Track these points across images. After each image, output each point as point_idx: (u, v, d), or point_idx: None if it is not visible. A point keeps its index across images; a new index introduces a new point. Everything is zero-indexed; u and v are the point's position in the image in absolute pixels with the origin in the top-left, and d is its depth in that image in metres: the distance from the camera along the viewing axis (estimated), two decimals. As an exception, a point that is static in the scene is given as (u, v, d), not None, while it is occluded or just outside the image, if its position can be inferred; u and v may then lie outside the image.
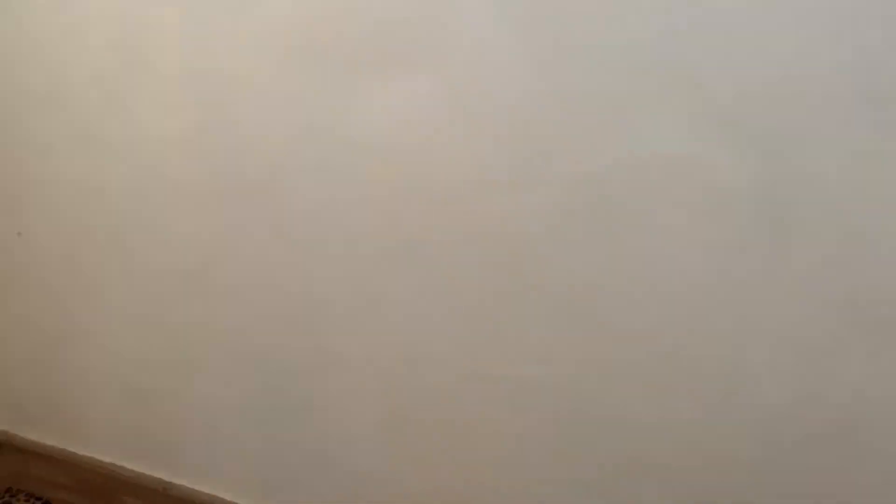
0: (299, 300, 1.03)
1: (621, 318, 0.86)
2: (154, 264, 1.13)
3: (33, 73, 1.10)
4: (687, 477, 0.89)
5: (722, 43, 0.73)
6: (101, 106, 1.06)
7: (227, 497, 1.20)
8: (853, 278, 0.75)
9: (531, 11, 0.78)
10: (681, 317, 0.83)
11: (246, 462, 1.17)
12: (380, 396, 1.03)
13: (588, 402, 0.91)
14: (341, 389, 1.05)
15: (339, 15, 0.87)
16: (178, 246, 1.09)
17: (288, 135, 0.95)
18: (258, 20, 0.91)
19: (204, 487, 1.22)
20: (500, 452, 0.99)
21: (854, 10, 0.68)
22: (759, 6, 0.71)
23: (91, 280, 1.19)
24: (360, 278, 0.98)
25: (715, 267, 0.80)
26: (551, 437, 0.94)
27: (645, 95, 0.77)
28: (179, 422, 1.21)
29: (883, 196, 0.72)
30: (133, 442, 1.27)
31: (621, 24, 0.75)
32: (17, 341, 1.32)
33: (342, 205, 0.95)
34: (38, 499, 1.39)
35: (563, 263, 0.86)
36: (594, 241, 0.84)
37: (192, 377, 1.17)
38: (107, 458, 1.31)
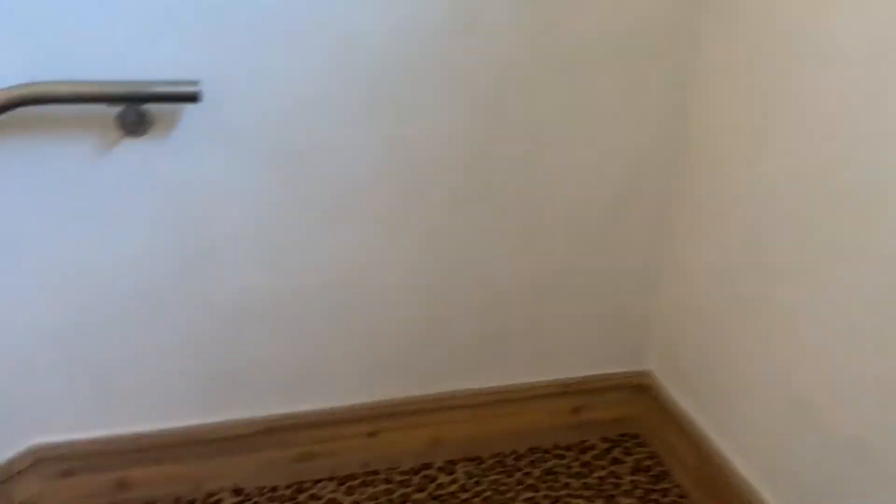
0: None
1: None
2: None
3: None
4: None
5: None
6: None
7: None
8: None
9: None
10: None
11: None
12: None
13: None
14: None
15: None
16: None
17: None
18: None
19: None
20: None
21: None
22: None
23: (811, 238, 0.84)
24: None
25: None
26: None
27: None
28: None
29: None
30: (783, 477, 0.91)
31: None
32: (692, 276, 1.09)
33: None
34: (660, 465, 1.19)
35: None
36: None
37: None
38: (742, 469, 0.99)
